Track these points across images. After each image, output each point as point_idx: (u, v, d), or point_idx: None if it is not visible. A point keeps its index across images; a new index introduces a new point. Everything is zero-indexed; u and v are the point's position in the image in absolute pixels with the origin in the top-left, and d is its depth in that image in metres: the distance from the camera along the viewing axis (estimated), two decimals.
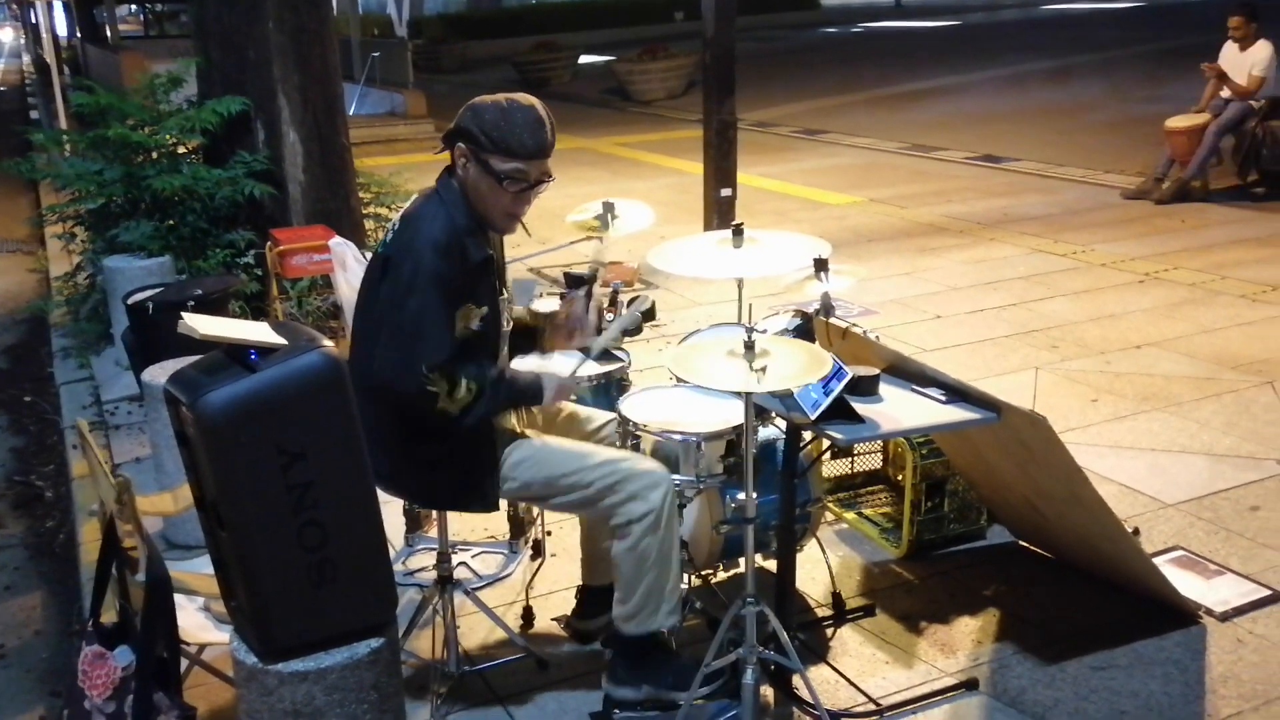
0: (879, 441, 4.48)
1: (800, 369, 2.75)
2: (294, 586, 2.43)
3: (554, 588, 3.87)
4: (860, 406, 3.07)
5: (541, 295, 4.33)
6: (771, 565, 3.54)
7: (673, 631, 3.19)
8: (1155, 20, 28.15)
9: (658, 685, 3.14)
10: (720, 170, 8.20)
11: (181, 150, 6.71)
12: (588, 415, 3.46)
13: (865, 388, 3.17)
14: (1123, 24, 28.10)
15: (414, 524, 4.19)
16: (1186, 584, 3.79)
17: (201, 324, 2.48)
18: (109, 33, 23.02)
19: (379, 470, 2.68)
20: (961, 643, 3.57)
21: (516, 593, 3.87)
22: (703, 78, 8.31)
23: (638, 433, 3.30)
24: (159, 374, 4.21)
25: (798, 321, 3.82)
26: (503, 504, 3.32)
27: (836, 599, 3.75)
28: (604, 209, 4.38)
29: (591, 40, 28.00)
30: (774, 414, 3.34)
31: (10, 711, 3.76)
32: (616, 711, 3.18)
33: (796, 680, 3.27)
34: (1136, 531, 4.13)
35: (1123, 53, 21.02)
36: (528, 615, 3.70)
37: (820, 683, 3.32)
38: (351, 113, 13.27)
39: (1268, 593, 3.76)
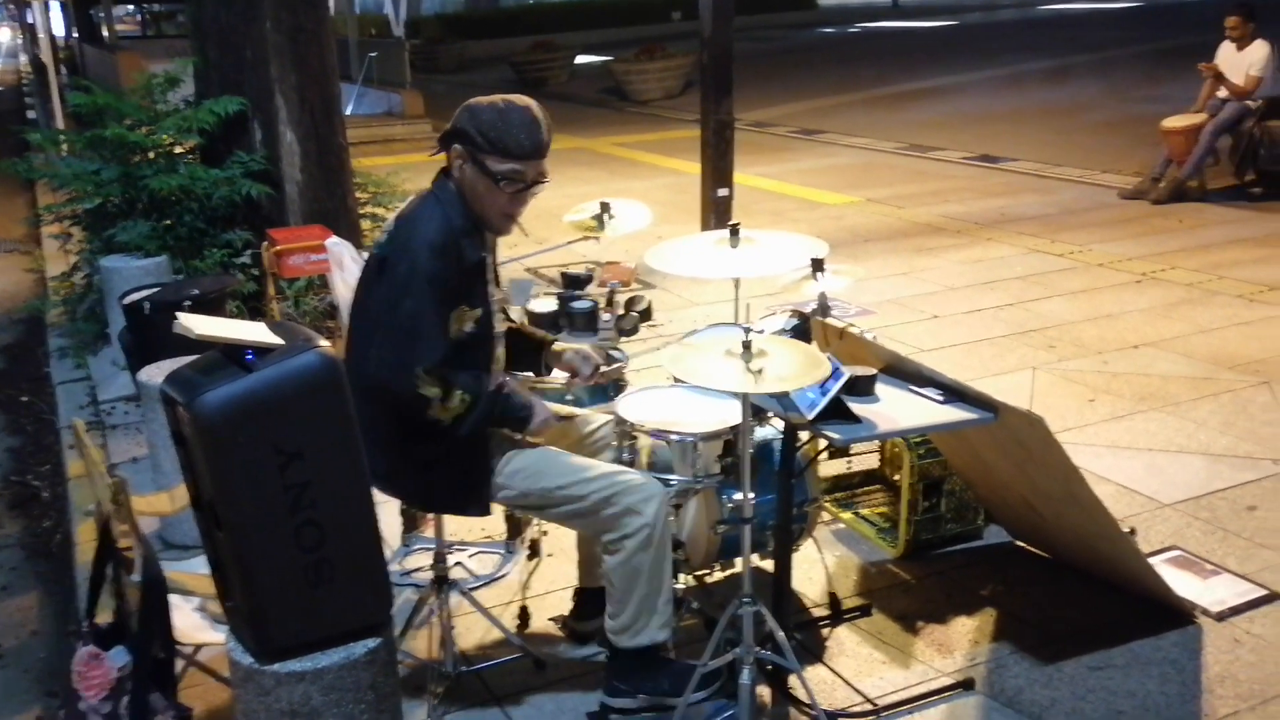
0: (876, 441, 4.48)
1: (798, 370, 2.75)
2: (291, 587, 2.43)
3: (550, 588, 3.87)
4: (857, 406, 3.07)
5: (538, 295, 4.33)
6: (768, 565, 3.54)
7: (667, 642, 3.19)
8: (1153, 20, 28.17)
9: (654, 690, 3.14)
10: (717, 170, 8.20)
11: (178, 150, 6.70)
12: (585, 417, 3.45)
13: (862, 388, 3.17)
14: (1120, 24, 28.11)
15: (411, 524, 4.19)
16: (1183, 584, 3.79)
17: (198, 324, 2.47)
18: (106, 32, 22.98)
19: (375, 470, 2.68)
20: (958, 643, 3.57)
21: (513, 593, 3.87)
22: (700, 78, 8.31)
23: (634, 433, 3.30)
24: (156, 374, 4.20)
25: (795, 321, 3.82)
26: (499, 505, 3.32)
27: (833, 599, 3.75)
28: (601, 209, 4.39)
29: (589, 40, 27.98)
30: (771, 414, 3.34)
31: (6, 712, 3.76)
32: (613, 717, 3.18)
33: (793, 680, 3.27)
34: (1133, 531, 4.13)
35: (1120, 53, 21.02)
36: (524, 615, 3.70)
37: (817, 683, 3.32)
38: (349, 113, 13.25)
39: (1264, 592, 3.76)
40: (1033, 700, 3.27)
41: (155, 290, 5.35)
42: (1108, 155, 11.56)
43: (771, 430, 3.62)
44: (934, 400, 3.19)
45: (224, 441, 2.33)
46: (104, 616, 2.89)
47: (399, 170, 8.22)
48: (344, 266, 5.06)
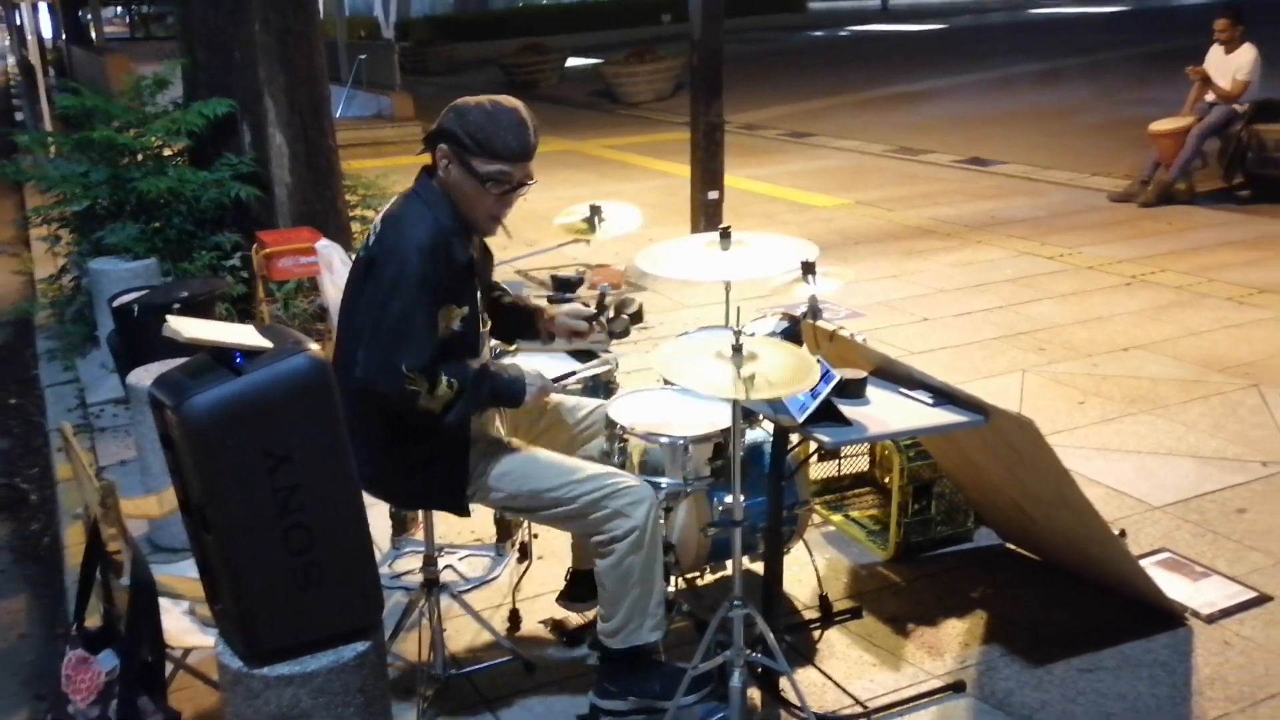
0: (866, 444, 4.48)
1: (788, 373, 2.75)
2: (280, 590, 2.42)
3: (541, 590, 3.86)
4: (847, 409, 3.06)
5: (529, 298, 4.33)
6: (759, 568, 3.54)
7: (658, 644, 3.19)
8: (1142, 23, 28.28)
9: (645, 694, 3.14)
10: (708, 172, 8.20)
11: (167, 152, 6.69)
12: (575, 403, 3.46)
13: (853, 390, 3.17)
14: (1110, 27, 28.22)
15: (400, 527, 4.18)
16: (1173, 586, 3.80)
17: (187, 327, 2.47)
18: (94, 34, 22.95)
19: (362, 473, 2.67)
20: (949, 645, 3.57)
21: (503, 596, 3.86)
22: (690, 80, 8.31)
23: (625, 435, 3.29)
24: (144, 376, 4.19)
25: (785, 324, 3.81)
26: (488, 508, 3.31)
27: (824, 601, 3.75)
28: (592, 211, 4.38)
29: (579, 42, 28.00)
30: (762, 416, 3.34)
31: None
32: (603, 716, 3.18)
33: (784, 683, 3.27)
34: (1123, 534, 4.14)
35: (1110, 56, 21.09)
36: (514, 618, 3.70)
37: (807, 685, 3.32)
38: (338, 115, 13.24)
39: (1254, 595, 3.77)
40: (1023, 702, 3.27)
41: (144, 293, 5.34)
42: (1097, 158, 11.59)
43: (762, 433, 3.62)
44: (924, 403, 3.19)
45: (212, 444, 2.32)
46: (93, 620, 2.88)
47: (388, 172, 8.22)
48: (333, 269, 5.05)
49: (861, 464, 4.59)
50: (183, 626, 3.08)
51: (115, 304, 5.23)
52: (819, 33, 32.95)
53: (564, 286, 4.07)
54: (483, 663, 3.48)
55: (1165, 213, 9.32)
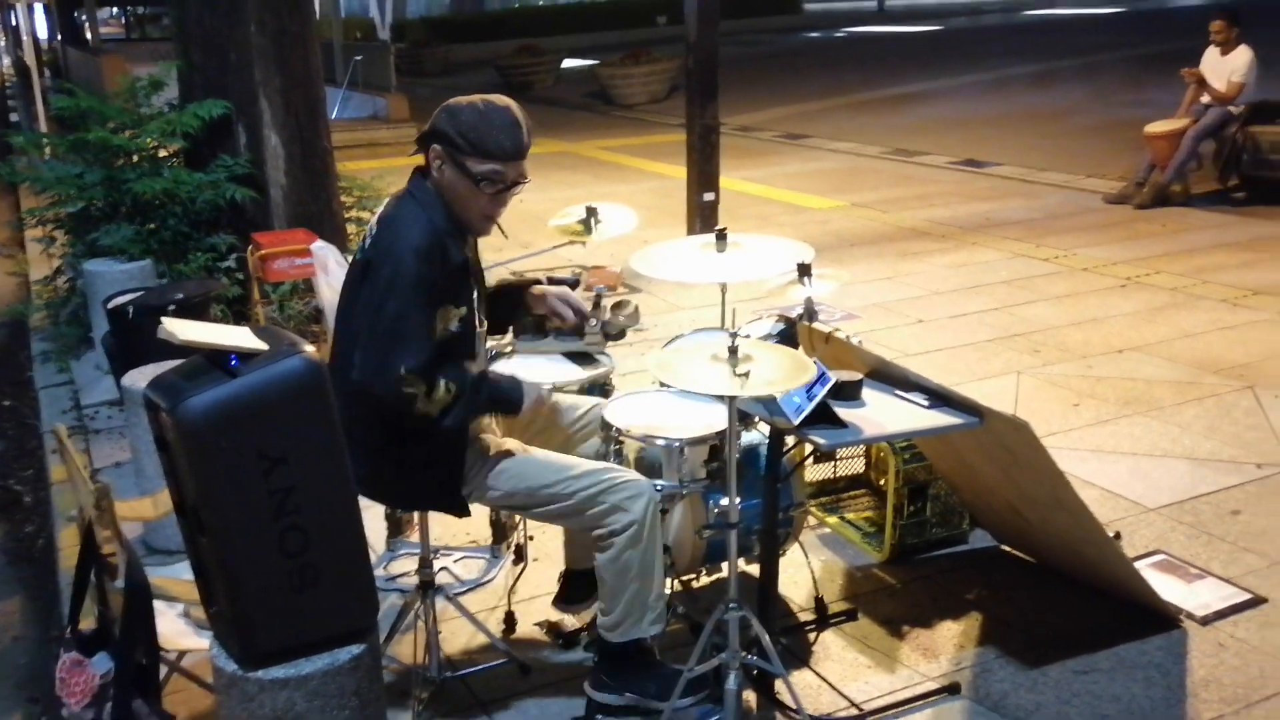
0: (861, 446, 4.48)
1: (784, 374, 2.75)
2: (275, 592, 2.42)
3: (536, 593, 3.86)
4: (843, 411, 3.06)
5: None
6: (754, 570, 3.53)
7: (656, 639, 3.19)
8: (1138, 25, 28.33)
9: (641, 693, 3.13)
10: (703, 174, 8.21)
11: (163, 154, 6.68)
12: (572, 403, 3.45)
13: (848, 392, 3.17)
14: (1105, 29, 28.25)
15: (396, 529, 4.18)
16: (1168, 588, 3.80)
17: (182, 329, 2.46)
18: (90, 35, 22.91)
19: (358, 475, 2.67)
20: (944, 647, 3.57)
21: (499, 598, 3.86)
22: (685, 82, 8.31)
23: (621, 438, 3.29)
24: (139, 378, 4.18)
25: (781, 326, 3.82)
26: (484, 509, 3.31)
27: (819, 603, 3.75)
28: (587, 213, 4.39)
29: (574, 44, 27.99)
30: (757, 419, 3.34)
31: None
32: (599, 717, 3.18)
33: (779, 685, 3.27)
34: (1118, 535, 4.15)
35: (1105, 57, 21.12)
36: (510, 620, 3.69)
37: (803, 687, 3.32)
38: (334, 116, 13.21)
39: (1248, 596, 3.77)
40: (1018, 704, 3.27)
41: (139, 294, 5.33)
42: (1092, 160, 11.61)
43: (757, 435, 3.62)
44: (920, 405, 3.19)
45: (207, 447, 2.32)
46: (87, 622, 2.88)
47: (384, 174, 8.21)
48: (329, 270, 5.04)
49: (857, 466, 4.59)
50: (178, 629, 3.07)
51: (110, 306, 5.22)
52: (814, 34, 32.99)
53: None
54: (478, 665, 3.48)
55: (1160, 215, 9.33)
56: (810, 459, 4.18)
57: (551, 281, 3.68)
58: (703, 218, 8.10)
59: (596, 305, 3.70)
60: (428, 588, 3.35)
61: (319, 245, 5.30)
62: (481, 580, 4.01)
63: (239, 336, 2.49)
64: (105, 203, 6.45)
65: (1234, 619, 3.65)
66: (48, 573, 4.58)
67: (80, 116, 6.59)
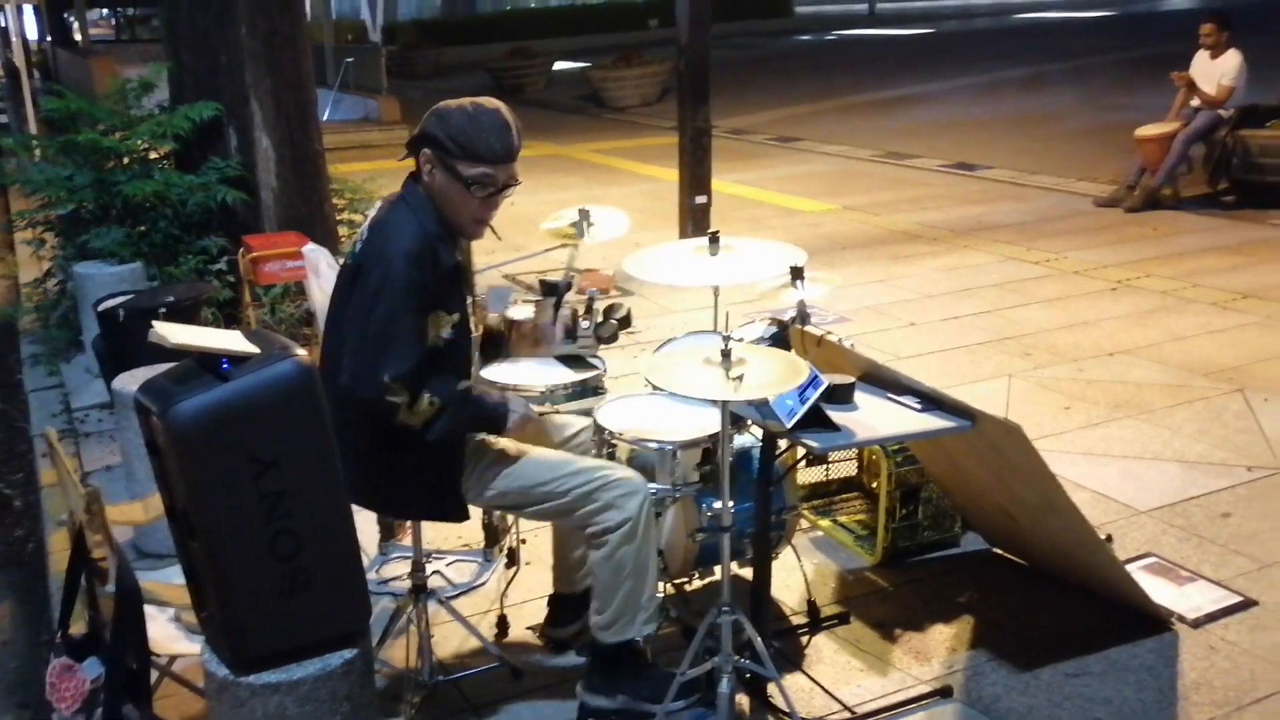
0: (854, 449, 4.48)
1: (777, 377, 2.75)
2: (266, 596, 2.41)
3: (528, 596, 3.85)
4: (836, 414, 3.06)
5: (516, 302, 4.32)
6: (747, 573, 3.54)
7: (649, 640, 3.18)
8: (1128, 28, 28.39)
9: (633, 695, 3.13)
10: (695, 177, 8.21)
11: (153, 156, 6.66)
12: (563, 421, 3.44)
13: (841, 396, 3.17)
14: (1096, 32, 28.32)
15: (388, 532, 4.16)
16: (1159, 591, 3.81)
17: (173, 332, 2.45)
18: (79, 37, 22.86)
19: (350, 480, 2.66)
20: (936, 650, 3.57)
21: (491, 601, 3.85)
22: (677, 85, 8.31)
23: (613, 441, 3.29)
24: (130, 381, 4.17)
25: (774, 329, 3.82)
26: (477, 512, 3.30)
27: (812, 607, 3.75)
28: (579, 216, 4.38)
29: (566, 47, 27.99)
30: (750, 422, 3.34)
31: None
32: (590, 718, 3.18)
33: (772, 688, 3.27)
34: (1109, 538, 4.15)
35: (1095, 61, 21.17)
36: (502, 624, 3.69)
37: (795, 691, 3.32)
38: (325, 118, 13.22)
39: (1239, 599, 3.78)
40: (1010, 707, 3.27)
41: (129, 297, 5.32)
42: (1083, 163, 11.63)
43: (750, 438, 3.62)
44: (912, 408, 3.19)
45: (198, 451, 2.31)
46: (77, 627, 2.87)
47: (375, 176, 8.20)
48: (320, 273, 5.03)
49: (849, 469, 4.59)
50: (168, 634, 3.06)
51: (100, 308, 5.21)
52: (806, 37, 33.03)
53: (552, 291, 4.04)
54: (470, 669, 3.47)
55: (1150, 218, 9.35)
56: (803, 462, 4.18)
57: (543, 285, 3.69)
58: (694, 221, 8.10)
59: (589, 309, 3.70)
60: (420, 591, 3.34)
61: (310, 248, 5.29)
62: (474, 584, 4.00)
63: (230, 340, 2.48)
64: (95, 205, 6.44)
65: (1225, 621, 3.66)
66: (38, 577, 4.56)
67: (70, 118, 6.58)
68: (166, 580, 3.19)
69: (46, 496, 4.96)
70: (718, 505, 3.05)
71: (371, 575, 3.99)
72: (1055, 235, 8.89)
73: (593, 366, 3.80)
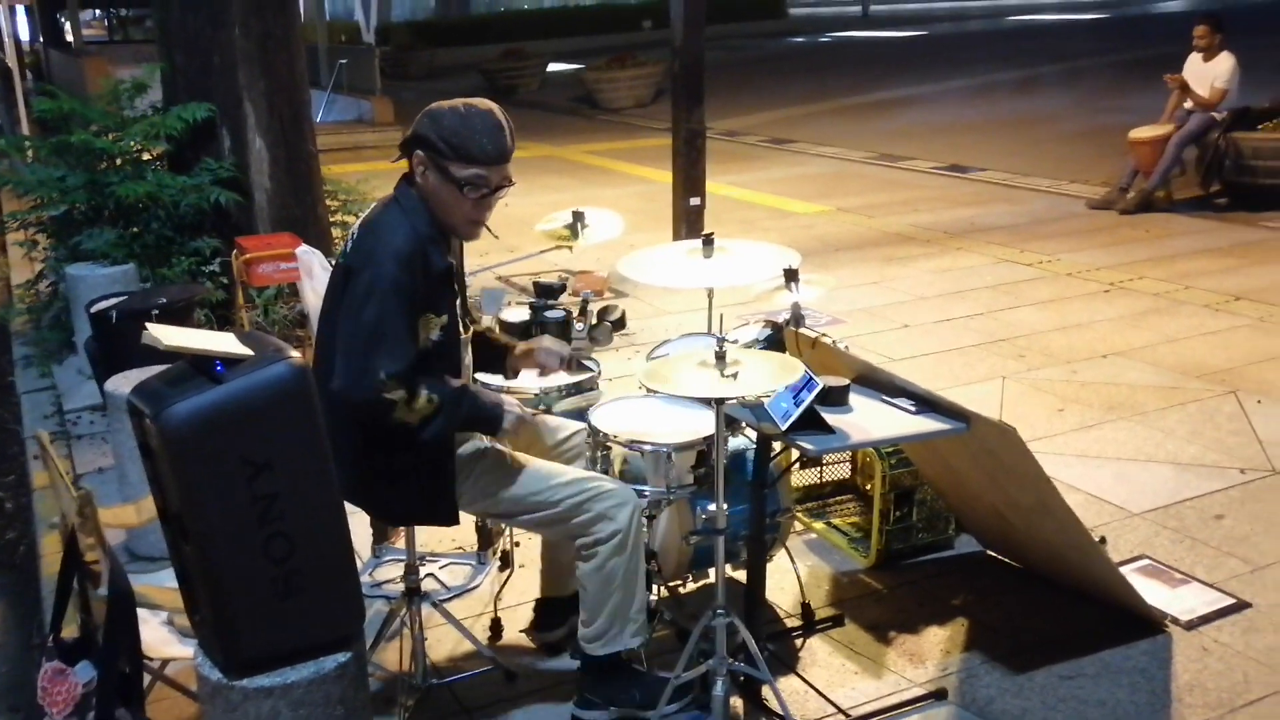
0: (848, 451, 4.48)
1: (771, 379, 2.75)
2: (260, 599, 2.40)
3: (522, 599, 3.85)
4: (830, 417, 3.06)
5: (510, 304, 4.32)
6: (741, 576, 3.53)
7: (640, 648, 3.18)
8: (1121, 30, 28.44)
9: (626, 704, 3.13)
10: (689, 179, 8.20)
11: (146, 157, 6.65)
12: (556, 424, 3.44)
13: (835, 398, 3.17)
14: (1089, 35, 28.37)
15: (381, 535, 4.16)
16: (1153, 593, 3.81)
17: (166, 334, 2.45)
18: (72, 37, 22.82)
19: (343, 483, 2.65)
20: (930, 652, 3.57)
21: (484, 604, 3.85)
22: (671, 86, 8.31)
23: (607, 443, 3.28)
24: (122, 383, 4.16)
25: (768, 332, 3.82)
26: (468, 516, 3.29)
27: (806, 609, 3.75)
28: (574, 218, 4.38)
29: (560, 48, 27.97)
30: (744, 424, 3.34)
31: None
32: None
33: (766, 691, 3.26)
34: (1103, 540, 4.15)
35: (1089, 63, 21.20)
36: (496, 627, 3.68)
37: (790, 693, 3.32)
38: (318, 120, 13.18)
39: (1232, 601, 3.78)
40: (1004, 710, 3.27)
41: (122, 299, 5.30)
42: (1076, 165, 11.65)
43: (744, 440, 3.62)
44: (906, 410, 3.19)
45: (191, 453, 2.30)
46: (69, 630, 2.86)
47: (369, 177, 8.19)
48: (313, 275, 5.03)
49: (843, 471, 4.60)
50: (161, 637, 3.05)
51: (93, 310, 5.19)
52: (800, 39, 33.03)
53: (546, 293, 4.05)
54: (464, 672, 3.47)
55: (1144, 220, 9.37)
56: (797, 464, 4.18)
57: (538, 287, 3.69)
58: (689, 222, 8.10)
59: (583, 310, 3.69)
60: (413, 594, 3.33)
61: (304, 249, 5.28)
62: (467, 586, 3.99)
63: (223, 342, 2.47)
64: (88, 206, 6.42)
65: (1218, 624, 3.67)
66: (29, 580, 4.54)
67: (63, 119, 6.56)
68: (159, 583, 3.18)
69: (38, 499, 4.95)
70: (712, 508, 3.04)
71: (365, 578, 3.98)
72: (1048, 237, 8.90)
73: (587, 369, 3.80)
